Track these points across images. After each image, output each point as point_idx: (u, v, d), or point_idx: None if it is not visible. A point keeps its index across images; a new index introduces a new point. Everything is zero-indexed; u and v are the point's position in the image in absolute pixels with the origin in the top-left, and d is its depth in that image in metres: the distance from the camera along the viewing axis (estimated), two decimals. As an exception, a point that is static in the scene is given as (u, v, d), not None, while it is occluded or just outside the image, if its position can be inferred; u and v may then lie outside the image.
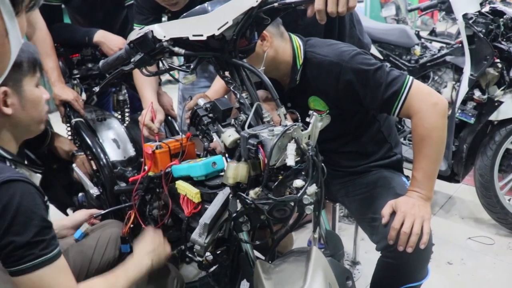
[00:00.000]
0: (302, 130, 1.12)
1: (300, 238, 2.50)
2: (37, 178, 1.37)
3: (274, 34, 1.63)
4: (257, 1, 1.11)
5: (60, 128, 2.28)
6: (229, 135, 1.22)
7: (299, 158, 1.11)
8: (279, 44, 1.65)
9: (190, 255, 1.49)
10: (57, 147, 2.16)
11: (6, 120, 1.22)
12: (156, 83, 2.09)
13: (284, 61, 1.68)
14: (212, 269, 1.49)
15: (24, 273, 1.07)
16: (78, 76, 2.25)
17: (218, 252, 1.46)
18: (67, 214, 2.32)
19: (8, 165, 1.18)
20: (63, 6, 2.30)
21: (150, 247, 1.44)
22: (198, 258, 1.36)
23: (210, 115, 1.31)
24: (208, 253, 1.42)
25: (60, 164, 2.17)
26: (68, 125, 2.18)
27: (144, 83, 2.00)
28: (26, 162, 1.35)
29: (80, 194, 2.15)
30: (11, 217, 1.04)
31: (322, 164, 1.18)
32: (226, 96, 1.87)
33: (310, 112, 1.16)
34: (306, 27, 1.89)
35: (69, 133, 2.24)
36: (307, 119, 1.15)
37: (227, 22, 1.12)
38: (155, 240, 1.47)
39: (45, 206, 1.15)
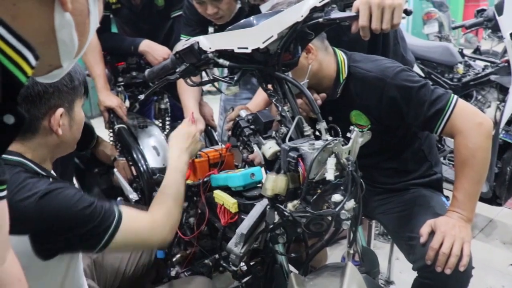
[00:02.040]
0: (342, 145, 1.12)
1: (334, 254, 2.48)
2: None
3: (319, 47, 1.64)
4: (302, 16, 1.12)
5: (103, 133, 2.35)
6: (270, 147, 1.23)
7: (338, 173, 1.11)
8: (324, 58, 1.66)
9: (224, 264, 1.50)
10: (100, 151, 2.23)
11: (54, 140, 1.24)
12: (198, 93, 2.13)
13: (327, 75, 1.68)
14: (245, 279, 1.49)
15: (105, 247, 1.19)
16: (122, 83, 2.31)
17: (252, 263, 1.46)
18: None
19: (40, 180, 1.19)
20: (111, 16, 2.38)
21: (183, 144, 1.54)
22: (233, 268, 1.37)
23: (252, 126, 1.33)
24: (242, 263, 1.43)
25: (101, 168, 2.24)
26: (111, 130, 2.25)
27: (187, 93, 2.04)
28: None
29: (118, 199, 2.20)
30: (62, 223, 1.13)
31: (361, 180, 1.18)
32: (267, 109, 1.89)
33: (351, 127, 1.16)
34: (349, 43, 1.89)
35: (112, 138, 2.30)
36: (348, 134, 1.15)
37: (272, 36, 1.14)
38: (188, 135, 1.57)
39: (81, 192, 1.21)
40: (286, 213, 1.11)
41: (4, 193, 0.82)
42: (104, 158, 2.23)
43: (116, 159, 2.14)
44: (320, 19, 1.14)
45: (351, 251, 1.22)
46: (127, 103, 2.24)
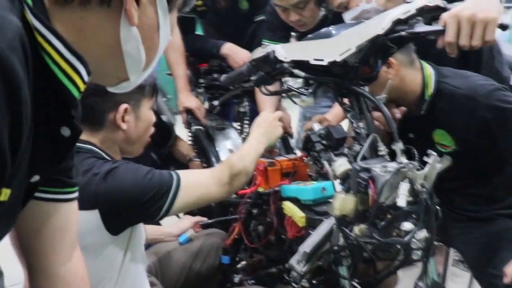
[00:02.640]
0: (418, 170, 1.04)
1: (408, 277, 2.32)
2: None
3: (403, 62, 1.54)
4: (383, 29, 1.05)
5: (183, 132, 2.40)
6: (341, 164, 1.18)
7: (411, 199, 1.03)
8: (407, 73, 1.56)
9: (287, 277, 1.46)
10: (177, 150, 2.28)
11: (120, 135, 1.31)
12: (276, 99, 2.10)
13: (411, 91, 1.59)
14: (307, 297, 1.45)
15: (173, 205, 1.26)
16: (203, 85, 2.34)
17: (315, 282, 1.41)
18: (178, 216, 2.42)
19: (106, 162, 1.28)
20: (196, 18, 2.42)
21: (263, 129, 1.54)
22: (294, 285, 1.32)
23: (324, 142, 1.28)
24: (304, 280, 1.38)
25: (177, 167, 2.27)
26: (189, 131, 2.28)
27: (264, 98, 2.03)
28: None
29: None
30: (129, 195, 1.20)
31: (437, 208, 1.09)
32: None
33: (429, 151, 1.07)
34: (438, 56, 1.77)
35: (189, 138, 2.34)
36: (425, 158, 1.06)
37: (350, 49, 1.08)
38: (268, 121, 1.56)
39: (141, 166, 1.29)
40: (351, 237, 1.05)
41: (75, 194, 0.85)
42: (181, 157, 2.27)
43: (192, 159, 2.17)
44: (403, 33, 1.06)
45: (421, 284, 1.13)
46: (206, 104, 2.26)
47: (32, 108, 0.55)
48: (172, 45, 2.17)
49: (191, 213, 2.17)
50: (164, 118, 2.45)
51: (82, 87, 0.57)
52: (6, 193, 0.53)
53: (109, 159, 1.29)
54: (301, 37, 1.94)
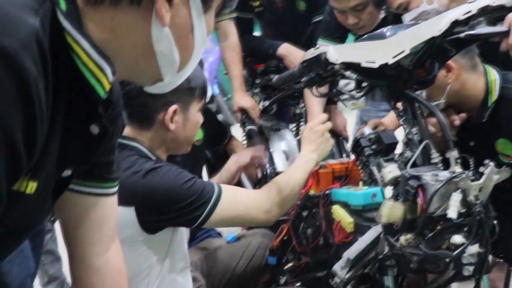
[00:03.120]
0: (472, 181, 0.98)
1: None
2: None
3: (464, 66, 1.47)
4: (440, 30, 1.00)
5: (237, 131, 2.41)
6: (390, 171, 1.14)
7: (464, 211, 0.98)
8: (469, 77, 1.48)
9: (332, 283, 1.43)
10: (231, 149, 2.29)
11: (168, 135, 1.33)
12: (324, 102, 2.06)
13: (472, 96, 1.50)
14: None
15: (208, 218, 1.25)
16: (259, 85, 2.34)
17: (359, 290, 1.37)
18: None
19: (148, 160, 1.31)
20: (254, 19, 2.42)
21: (314, 145, 1.48)
22: (337, 292, 1.29)
23: (373, 146, 1.24)
24: (349, 287, 1.35)
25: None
26: (243, 130, 2.29)
27: (313, 101, 1.99)
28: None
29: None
30: (166, 197, 1.21)
31: (493, 222, 1.03)
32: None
33: (486, 161, 1.01)
34: (507, 60, 1.67)
35: (244, 138, 2.35)
36: (481, 169, 1.00)
37: (403, 51, 1.04)
38: (317, 135, 1.49)
39: (182, 170, 1.30)
40: (396, 247, 1.01)
41: (115, 189, 0.88)
42: (234, 155, 2.28)
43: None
44: (462, 35, 1.01)
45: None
46: (261, 105, 2.26)
47: (64, 107, 0.57)
48: (228, 45, 2.18)
49: None
50: (220, 117, 2.47)
51: (107, 86, 0.59)
52: (32, 186, 0.55)
53: (153, 158, 1.32)
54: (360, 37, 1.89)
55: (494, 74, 1.50)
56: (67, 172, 0.67)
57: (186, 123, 1.34)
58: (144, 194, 1.21)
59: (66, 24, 0.54)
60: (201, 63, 1.79)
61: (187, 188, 1.24)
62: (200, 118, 1.39)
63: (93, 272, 0.89)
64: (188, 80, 1.28)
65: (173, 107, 1.28)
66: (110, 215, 0.89)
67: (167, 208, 1.23)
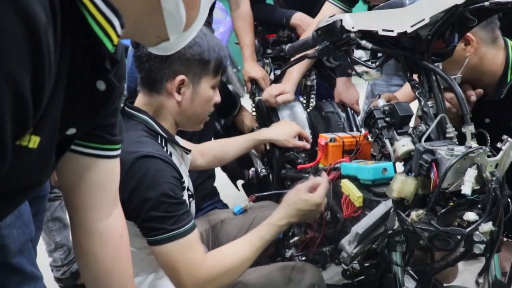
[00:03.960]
0: (488, 156, 0.95)
1: (468, 271, 2.20)
2: (187, 159, 1.42)
3: (483, 39, 1.41)
4: (463, -2, 0.95)
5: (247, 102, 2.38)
6: (403, 144, 1.10)
7: (478, 187, 0.95)
8: (488, 52, 1.43)
9: (339, 258, 1.42)
10: (240, 120, 2.27)
11: (174, 106, 1.28)
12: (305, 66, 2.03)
13: (490, 71, 1.46)
14: (358, 279, 1.40)
15: (155, 244, 1.14)
16: (271, 55, 2.29)
17: (366, 265, 1.36)
18: (237, 186, 2.43)
19: (154, 141, 1.24)
20: None
21: (294, 216, 1.33)
22: (344, 266, 1.28)
23: (387, 119, 1.20)
24: (355, 262, 1.33)
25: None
26: (253, 101, 2.26)
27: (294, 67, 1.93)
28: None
29: (252, 169, 2.22)
30: (144, 191, 1.11)
31: (509, 201, 1.00)
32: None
33: (504, 137, 0.97)
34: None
35: (253, 109, 2.32)
36: (498, 144, 0.97)
37: (423, 20, 0.99)
38: (306, 206, 1.34)
39: (179, 184, 1.20)
40: (407, 222, 0.99)
41: (117, 152, 0.86)
42: (243, 128, 2.25)
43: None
44: (486, 3, 0.96)
45: (481, 281, 1.05)
46: (272, 76, 2.22)
47: (68, 61, 0.54)
48: (240, 13, 2.13)
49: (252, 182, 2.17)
50: (230, 88, 2.44)
51: (115, 40, 0.56)
52: (35, 141, 0.53)
53: (160, 132, 1.27)
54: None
55: None
56: (71, 131, 0.65)
57: (195, 98, 1.28)
58: (128, 176, 1.11)
59: None
60: None
61: (164, 199, 1.14)
62: (212, 96, 1.33)
63: (94, 237, 0.88)
64: (201, 51, 1.25)
65: (180, 77, 1.24)
66: (111, 179, 0.87)
67: (139, 202, 1.13)
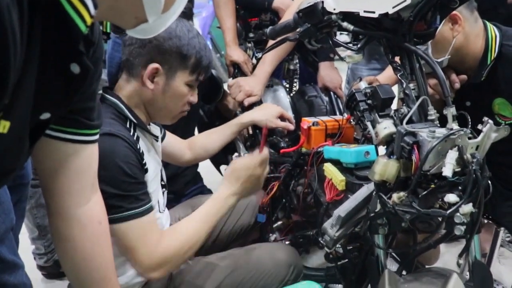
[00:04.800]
0: (469, 138, 0.95)
1: (450, 253, 2.23)
2: (157, 146, 1.42)
3: (467, 18, 1.41)
4: (445, -21, 0.95)
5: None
6: (385, 127, 1.10)
7: (459, 169, 0.95)
8: (471, 31, 1.43)
9: (322, 242, 1.42)
10: (223, 105, 2.26)
11: (145, 93, 1.28)
12: (280, 57, 2.02)
13: (473, 53, 1.46)
14: (340, 262, 1.40)
15: (114, 222, 1.13)
16: (253, 39, 2.27)
17: (349, 248, 1.36)
18: (220, 172, 2.42)
19: (120, 124, 1.23)
20: None
21: (239, 187, 1.35)
22: (326, 249, 1.28)
23: (369, 101, 1.19)
24: (338, 246, 1.34)
25: (222, 123, 2.25)
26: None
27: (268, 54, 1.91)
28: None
29: (235, 154, 2.21)
30: (102, 168, 1.07)
31: (489, 182, 1.00)
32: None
33: (485, 118, 0.97)
34: (509, 17, 1.62)
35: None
36: (479, 126, 0.97)
37: (404, 1, 0.98)
38: (248, 172, 1.37)
39: (140, 165, 1.21)
40: (388, 205, 0.99)
41: (95, 137, 0.84)
42: (227, 112, 2.24)
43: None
44: (468, -16, 0.95)
45: (461, 261, 1.06)
46: (254, 60, 2.20)
47: (39, 43, 0.53)
48: None
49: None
50: (214, 72, 2.42)
51: (89, 21, 0.54)
52: (5, 126, 0.52)
53: (130, 116, 1.26)
54: None
55: (494, 31, 1.45)
56: (45, 115, 0.63)
57: (167, 90, 1.28)
58: None
59: None
60: (188, 16, 1.70)
61: (121, 178, 1.14)
62: (186, 92, 1.31)
63: (73, 223, 0.86)
64: (180, 44, 1.24)
65: (154, 65, 1.23)
66: (89, 164, 0.85)
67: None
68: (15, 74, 0.49)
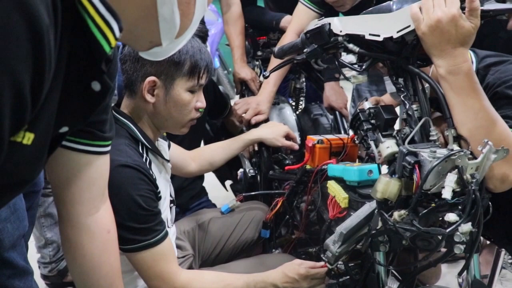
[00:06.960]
0: (469, 159, 0.97)
1: (451, 274, 2.23)
2: (168, 166, 1.42)
3: None
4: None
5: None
6: (388, 146, 1.13)
7: (459, 189, 0.97)
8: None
9: (324, 258, 1.44)
10: (230, 122, 2.29)
11: (148, 107, 1.28)
12: (280, 78, 2.06)
13: None
14: (342, 279, 1.41)
15: (128, 252, 1.16)
16: (261, 57, 2.32)
17: (351, 265, 1.38)
18: (225, 186, 2.44)
19: (135, 150, 1.24)
20: None
21: (288, 278, 1.34)
22: (328, 266, 1.30)
23: (372, 121, 1.22)
24: (340, 262, 1.35)
25: (227, 138, 2.28)
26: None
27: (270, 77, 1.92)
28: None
29: (241, 170, 2.24)
30: (117, 200, 1.10)
31: (489, 203, 1.02)
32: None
33: (485, 140, 1.00)
34: (508, 41, 1.64)
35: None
36: (479, 148, 0.99)
37: (409, 26, 1.02)
38: (302, 280, 1.34)
39: (155, 195, 1.22)
40: (389, 223, 1.01)
41: (107, 148, 0.87)
42: (233, 129, 2.27)
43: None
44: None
45: (460, 280, 1.08)
46: (262, 78, 2.24)
47: (65, 61, 0.56)
48: (231, 16, 2.15)
49: (240, 182, 2.18)
50: (221, 89, 2.46)
51: (113, 42, 0.57)
52: (29, 137, 0.54)
53: (143, 140, 1.27)
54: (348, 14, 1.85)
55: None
56: (64, 129, 0.66)
57: (168, 100, 1.27)
58: None
59: None
60: (203, 39, 1.73)
61: (136, 210, 1.15)
62: (190, 99, 1.30)
63: (82, 231, 0.89)
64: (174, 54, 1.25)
65: (151, 78, 1.23)
66: (100, 174, 0.88)
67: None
68: (46, 90, 0.52)
